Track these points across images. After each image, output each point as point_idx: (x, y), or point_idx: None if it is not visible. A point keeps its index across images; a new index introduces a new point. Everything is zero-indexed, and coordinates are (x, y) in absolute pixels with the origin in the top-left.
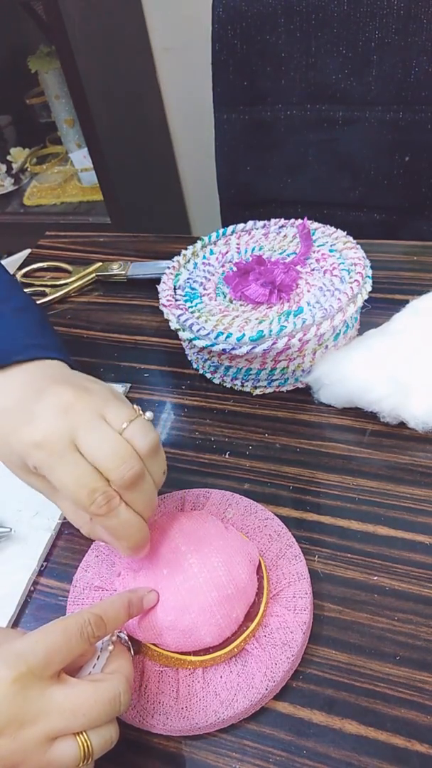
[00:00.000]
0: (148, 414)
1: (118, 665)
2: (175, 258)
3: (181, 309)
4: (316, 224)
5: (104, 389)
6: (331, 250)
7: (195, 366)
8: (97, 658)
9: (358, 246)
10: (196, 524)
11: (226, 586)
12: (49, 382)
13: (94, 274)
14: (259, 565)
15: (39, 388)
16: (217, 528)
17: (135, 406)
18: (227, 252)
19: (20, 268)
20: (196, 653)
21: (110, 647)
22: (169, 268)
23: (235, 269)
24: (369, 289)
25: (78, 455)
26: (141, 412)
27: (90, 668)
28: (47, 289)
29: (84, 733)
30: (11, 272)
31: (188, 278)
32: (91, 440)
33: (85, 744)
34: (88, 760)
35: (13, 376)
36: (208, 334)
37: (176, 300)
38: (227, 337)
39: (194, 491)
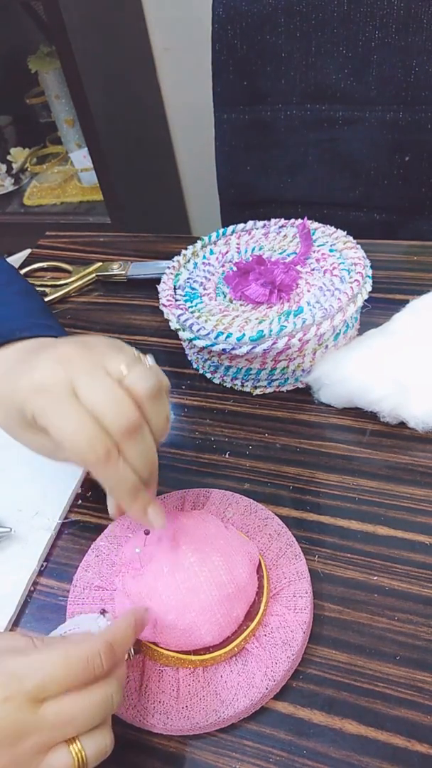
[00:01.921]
0: (150, 359)
1: (108, 629)
2: (175, 258)
3: (181, 309)
4: (316, 224)
5: (104, 342)
6: (331, 250)
7: (195, 366)
8: None
9: (358, 246)
10: (196, 523)
11: (227, 585)
12: (50, 343)
13: (94, 274)
14: (259, 565)
15: (41, 347)
16: (217, 527)
17: (137, 352)
18: (227, 252)
19: (20, 268)
20: (196, 652)
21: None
22: (169, 268)
23: (235, 269)
24: (369, 289)
25: (77, 402)
26: (142, 358)
27: None
28: (47, 289)
29: (78, 743)
30: None
31: (188, 278)
32: (89, 388)
33: (79, 754)
34: (84, 764)
35: (16, 347)
36: (208, 334)
37: (176, 300)
38: (227, 337)
39: (194, 491)
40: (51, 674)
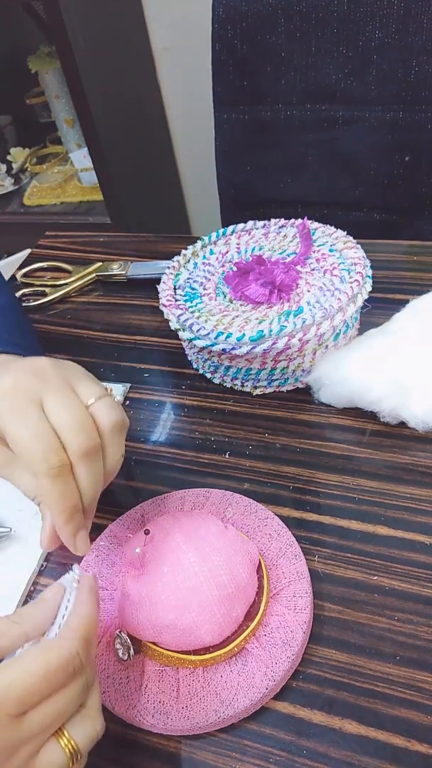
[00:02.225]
0: (118, 397)
1: (76, 620)
2: (175, 258)
3: (181, 309)
4: (316, 224)
5: (79, 368)
6: (331, 250)
7: (195, 366)
8: (63, 617)
9: (358, 246)
10: (196, 523)
11: (227, 585)
12: (12, 359)
13: (94, 274)
14: (259, 565)
15: (14, 360)
16: (217, 527)
17: (108, 387)
18: (227, 252)
19: (20, 268)
20: (196, 652)
21: (75, 585)
22: (169, 268)
23: (235, 269)
24: (369, 289)
25: (41, 413)
26: (111, 393)
27: (52, 633)
28: (47, 289)
29: (65, 735)
30: (11, 272)
31: (188, 278)
32: (56, 404)
33: (69, 745)
34: (77, 758)
35: None
36: (208, 334)
37: (176, 300)
38: (227, 337)
39: (194, 491)
40: (31, 688)
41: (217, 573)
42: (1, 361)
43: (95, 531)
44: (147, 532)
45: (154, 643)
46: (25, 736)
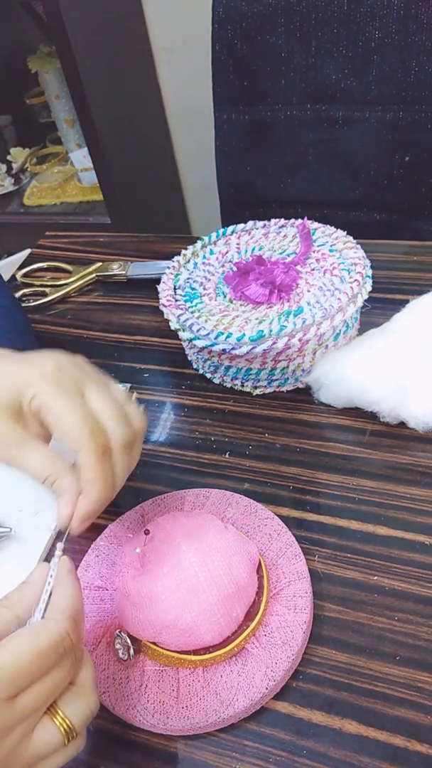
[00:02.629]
0: (137, 403)
1: (63, 601)
2: (175, 258)
3: (181, 309)
4: (316, 224)
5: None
6: (331, 250)
7: (195, 366)
8: (44, 602)
9: (358, 246)
10: (196, 523)
11: (227, 585)
12: (9, 353)
13: (94, 274)
14: (259, 564)
15: (14, 353)
16: (217, 527)
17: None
18: (227, 252)
19: (20, 268)
20: (196, 652)
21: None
22: (169, 268)
23: (235, 269)
24: (369, 289)
25: (84, 401)
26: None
27: (37, 614)
28: (47, 289)
29: (59, 713)
30: (11, 272)
31: (188, 278)
32: (99, 395)
33: (63, 723)
34: (72, 736)
35: None
36: (208, 334)
37: (176, 300)
38: (227, 337)
39: (194, 491)
40: (22, 671)
41: (217, 573)
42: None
43: (96, 530)
44: (147, 532)
45: (154, 643)
46: (17, 717)
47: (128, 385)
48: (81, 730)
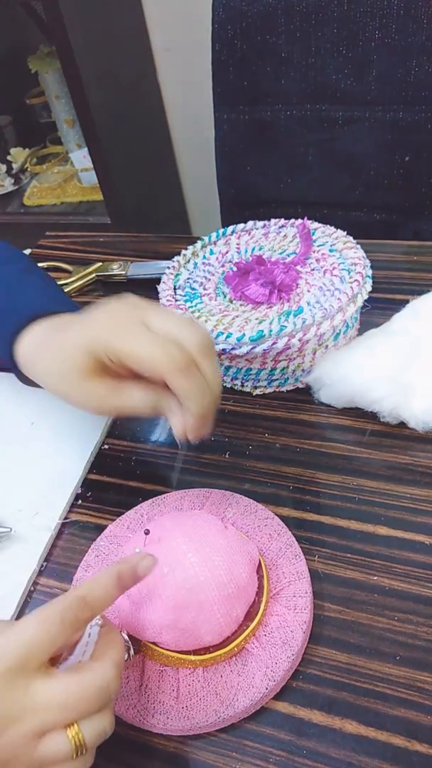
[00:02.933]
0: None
1: (106, 647)
2: (175, 258)
3: (181, 309)
4: (316, 224)
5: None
6: (331, 250)
7: None
8: (88, 636)
9: (358, 246)
10: (196, 524)
11: (227, 585)
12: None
13: (94, 274)
14: (259, 565)
15: (76, 316)
16: (217, 527)
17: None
18: (227, 252)
19: None
20: (196, 652)
21: (99, 622)
22: (169, 268)
23: (235, 269)
24: (369, 289)
25: (150, 331)
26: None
27: (81, 650)
28: None
29: (75, 726)
30: None
31: (188, 278)
32: (161, 319)
33: (76, 737)
34: (81, 752)
35: (53, 319)
36: None
37: (176, 300)
38: (227, 337)
39: (194, 491)
40: (30, 639)
41: (217, 573)
42: (71, 317)
43: (95, 531)
44: (147, 532)
45: (154, 643)
46: (30, 704)
47: None
48: (91, 749)
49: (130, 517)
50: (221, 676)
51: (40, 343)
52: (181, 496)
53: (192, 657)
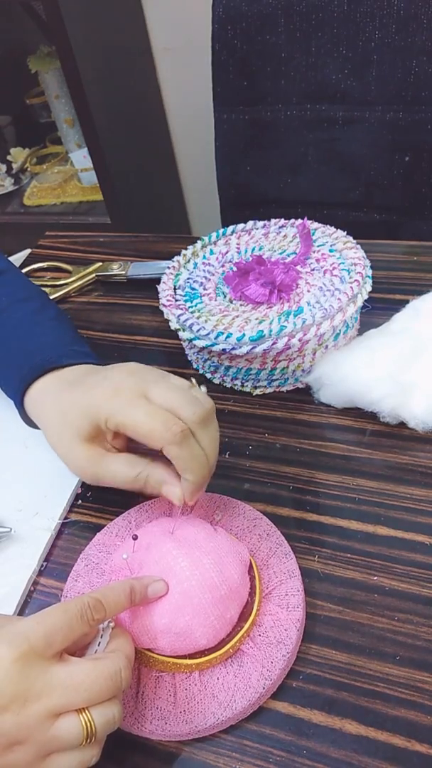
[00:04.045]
0: (203, 387)
1: (118, 644)
2: (175, 258)
3: (181, 309)
4: (316, 224)
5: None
6: (331, 250)
7: (195, 366)
8: (100, 637)
9: (358, 246)
10: (185, 528)
11: (219, 587)
12: (100, 368)
13: (94, 274)
14: (251, 565)
15: (98, 370)
16: (206, 530)
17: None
18: (227, 252)
19: (20, 268)
20: (191, 656)
21: (111, 625)
22: (169, 268)
23: (235, 269)
24: (369, 289)
25: (149, 401)
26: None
27: (93, 649)
28: (47, 289)
29: (87, 712)
30: None
31: (188, 278)
32: (161, 389)
33: (88, 722)
34: (91, 739)
35: (64, 373)
36: (208, 334)
37: (176, 300)
38: (227, 337)
39: None
40: (53, 626)
41: (208, 576)
42: (85, 371)
43: (95, 531)
44: (135, 538)
45: (149, 650)
46: (48, 684)
47: None
48: (100, 737)
49: (118, 524)
50: (218, 679)
51: (47, 397)
52: (169, 501)
53: (188, 661)
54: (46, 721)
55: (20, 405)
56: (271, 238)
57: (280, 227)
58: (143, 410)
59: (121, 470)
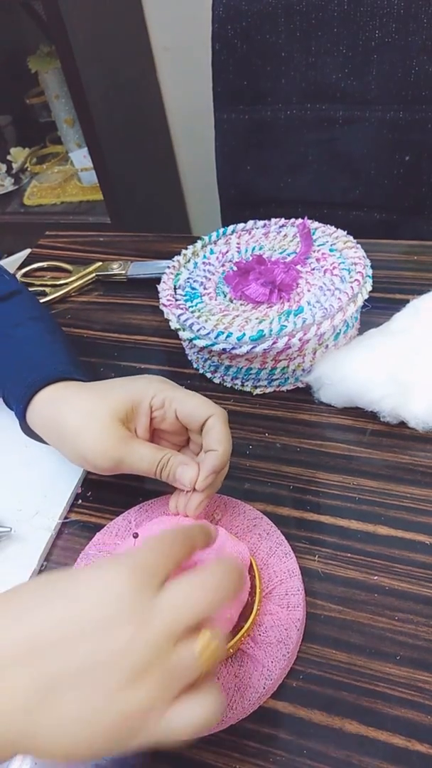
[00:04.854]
0: None
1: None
2: (175, 258)
3: (181, 309)
4: (316, 224)
5: None
6: (331, 250)
7: (195, 366)
8: None
9: (359, 245)
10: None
11: None
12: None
13: (94, 274)
14: (251, 565)
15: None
16: None
17: None
18: (227, 251)
19: (20, 268)
20: None
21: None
22: (169, 267)
23: (235, 269)
24: (369, 288)
25: None
26: None
27: None
28: (47, 289)
29: (206, 632)
30: (11, 272)
31: (188, 278)
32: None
33: (206, 643)
34: (210, 663)
35: (75, 384)
36: (208, 333)
37: (176, 300)
38: (227, 336)
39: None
40: (161, 552)
41: None
42: (82, 384)
43: (95, 531)
44: (136, 536)
45: None
46: (167, 603)
47: None
48: (213, 673)
49: (117, 524)
50: (218, 679)
51: (66, 391)
52: (168, 501)
53: None
54: (165, 644)
55: (24, 410)
56: (272, 237)
57: (281, 227)
58: (187, 391)
59: (148, 452)
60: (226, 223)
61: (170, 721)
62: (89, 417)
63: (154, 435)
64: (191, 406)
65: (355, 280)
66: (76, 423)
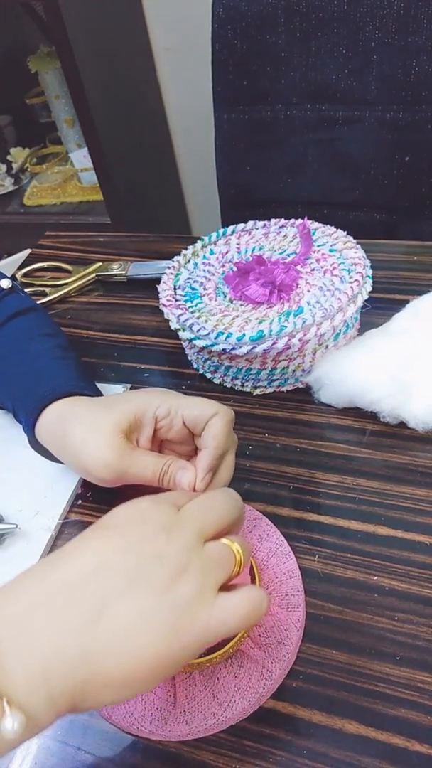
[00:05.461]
0: None
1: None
2: (175, 258)
3: (181, 309)
4: (316, 224)
5: None
6: (331, 250)
7: (195, 366)
8: None
9: (358, 246)
10: None
11: None
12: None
13: (94, 274)
14: (251, 565)
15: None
16: None
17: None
18: (227, 252)
19: (20, 268)
20: None
21: None
22: (169, 268)
23: (235, 269)
24: (369, 288)
25: None
26: None
27: None
28: (47, 289)
29: (233, 542)
30: (11, 272)
31: (188, 278)
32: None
33: (230, 543)
34: (240, 561)
35: (84, 399)
36: (208, 334)
37: (176, 300)
38: (227, 337)
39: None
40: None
41: None
42: (94, 399)
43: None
44: None
45: None
46: (188, 513)
47: (128, 385)
48: (245, 561)
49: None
50: (218, 679)
51: (76, 404)
52: None
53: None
54: (196, 544)
55: (33, 424)
56: (271, 238)
57: (281, 227)
58: (193, 397)
59: (151, 460)
60: (226, 224)
61: (221, 609)
62: (93, 430)
63: (162, 446)
64: (197, 408)
65: (355, 280)
66: (81, 436)
